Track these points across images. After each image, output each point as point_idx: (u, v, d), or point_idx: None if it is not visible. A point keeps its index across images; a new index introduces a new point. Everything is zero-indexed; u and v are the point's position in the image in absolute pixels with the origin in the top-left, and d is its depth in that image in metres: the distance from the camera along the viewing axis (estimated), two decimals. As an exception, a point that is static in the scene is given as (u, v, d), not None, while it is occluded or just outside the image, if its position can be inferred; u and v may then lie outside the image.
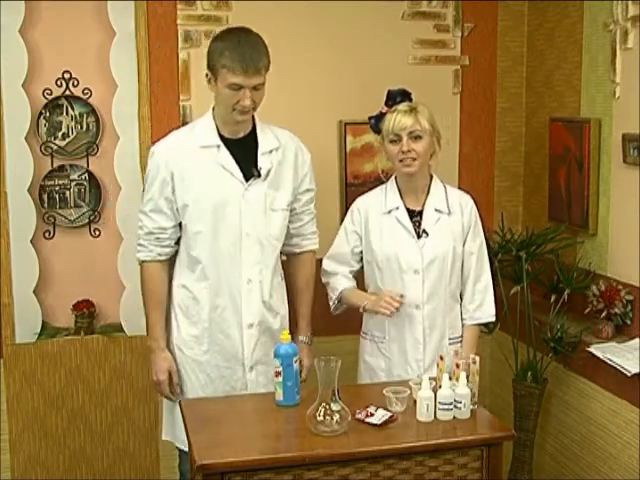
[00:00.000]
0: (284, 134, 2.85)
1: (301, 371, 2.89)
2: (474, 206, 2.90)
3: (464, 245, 2.86)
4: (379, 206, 2.87)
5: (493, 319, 2.94)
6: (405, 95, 2.82)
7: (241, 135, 2.77)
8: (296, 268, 2.97)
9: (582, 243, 3.35)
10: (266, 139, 2.79)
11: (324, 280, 2.97)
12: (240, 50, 2.59)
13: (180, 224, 2.78)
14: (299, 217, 2.91)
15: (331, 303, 2.94)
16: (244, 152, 2.75)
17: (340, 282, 2.91)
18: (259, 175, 2.74)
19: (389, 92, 2.83)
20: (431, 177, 2.88)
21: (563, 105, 3.46)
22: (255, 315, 2.78)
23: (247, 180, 2.73)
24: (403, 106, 2.77)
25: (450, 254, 2.81)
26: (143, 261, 2.80)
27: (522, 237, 3.40)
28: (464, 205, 2.88)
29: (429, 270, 2.79)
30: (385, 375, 2.87)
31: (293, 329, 2.94)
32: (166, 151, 2.75)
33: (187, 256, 2.79)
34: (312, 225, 2.97)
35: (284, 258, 2.96)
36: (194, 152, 2.73)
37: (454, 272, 2.85)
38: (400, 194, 2.86)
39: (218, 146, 2.73)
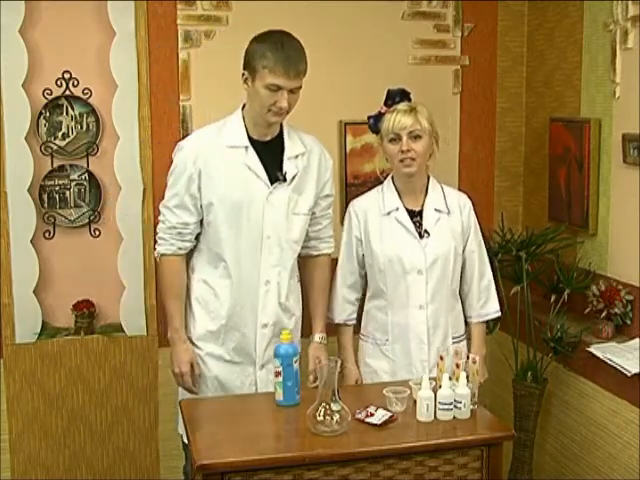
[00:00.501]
0: (309, 139, 2.87)
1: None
2: (472, 206, 2.92)
3: (465, 245, 2.87)
4: (377, 207, 2.86)
5: (499, 314, 2.96)
6: (404, 95, 2.82)
7: (269, 138, 2.78)
8: (313, 270, 2.97)
9: (582, 243, 3.35)
10: (293, 144, 2.81)
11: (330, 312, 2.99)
12: (283, 53, 2.61)
13: (201, 220, 2.79)
14: (318, 221, 2.93)
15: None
16: (271, 155, 2.76)
17: (341, 312, 2.95)
18: (284, 179, 2.76)
19: (389, 92, 2.83)
20: (428, 178, 2.89)
21: (563, 105, 3.46)
22: (270, 316, 2.80)
23: (272, 183, 2.75)
24: (403, 106, 2.77)
25: (452, 253, 2.82)
26: (163, 254, 2.81)
27: (522, 237, 3.40)
28: (463, 205, 2.89)
29: (432, 270, 2.79)
30: (389, 377, 2.86)
31: (306, 330, 2.96)
32: (195, 148, 2.76)
33: (208, 252, 2.80)
34: (329, 229, 2.98)
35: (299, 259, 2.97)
36: (222, 151, 2.74)
37: (455, 271, 2.85)
38: (398, 194, 2.86)
39: (246, 147, 2.74)
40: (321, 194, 2.89)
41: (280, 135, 2.81)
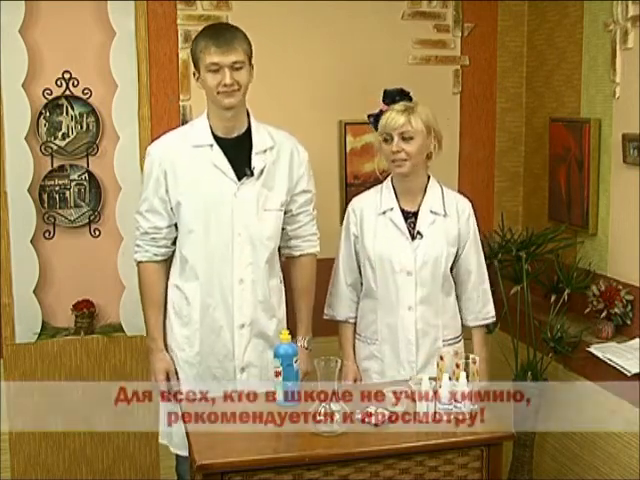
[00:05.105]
0: (280, 134, 2.84)
1: None
2: (472, 213, 2.86)
3: (463, 250, 2.84)
4: (374, 206, 2.85)
5: (494, 319, 2.95)
6: (403, 94, 2.79)
7: (235, 134, 2.77)
8: (295, 271, 2.93)
9: (582, 243, 3.35)
10: (261, 139, 2.78)
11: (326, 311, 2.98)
12: (214, 33, 2.65)
13: (176, 224, 2.79)
14: (296, 219, 2.88)
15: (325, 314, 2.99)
16: (238, 151, 2.75)
17: (342, 310, 2.94)
18: (252, 174, 2.73)
19: (385, 92, 2.79)
20: (428, 178, 2.87)
21: (563, 105, 3.46)
22: (247, 316, 2.75)
23: (240, 179, 2.73)
24: (399, 105, 2.74)
25: (444, 256, 2.79)
26: (140, 262, 2.82)
27: (522, 237, 3.40)
28: (461, 211, 2.84)
29: (422, 271, 2.78)
30: (378, 377, 2.85)
31: (292, 333, 2.93)
32: (160, 151, 2.77)
33: (179, 256, 2.79)
34: (311, 227, 2.92)
35: (283, 260, 2.94)
36: (188, 151, 2.74)
37: (448, 274, 2.83)
38: (395, 194, 2.85)
39: (211, 145, 2.73)
40: (295, 190, 2.84)
41: (248, 131, 2.79)
